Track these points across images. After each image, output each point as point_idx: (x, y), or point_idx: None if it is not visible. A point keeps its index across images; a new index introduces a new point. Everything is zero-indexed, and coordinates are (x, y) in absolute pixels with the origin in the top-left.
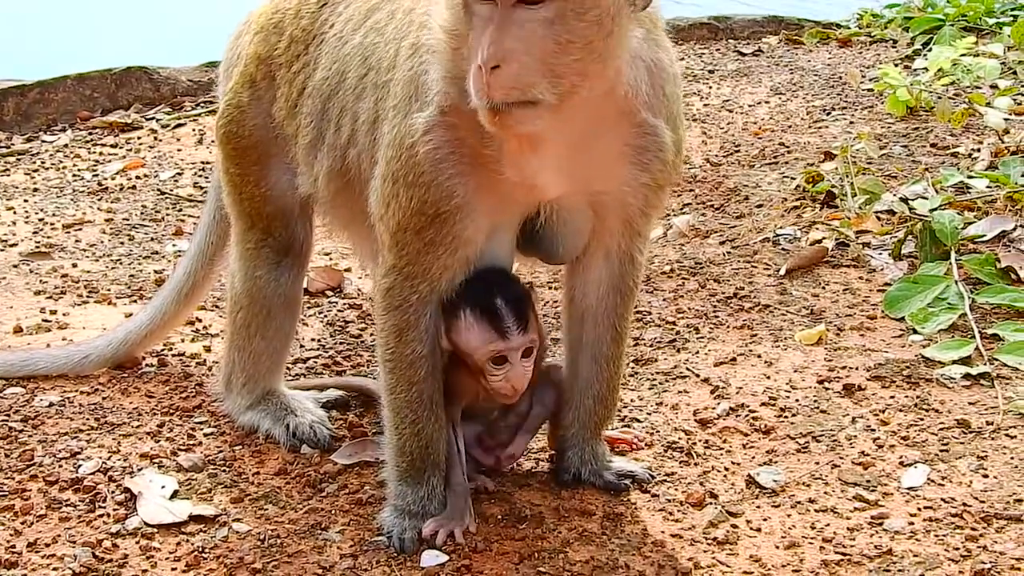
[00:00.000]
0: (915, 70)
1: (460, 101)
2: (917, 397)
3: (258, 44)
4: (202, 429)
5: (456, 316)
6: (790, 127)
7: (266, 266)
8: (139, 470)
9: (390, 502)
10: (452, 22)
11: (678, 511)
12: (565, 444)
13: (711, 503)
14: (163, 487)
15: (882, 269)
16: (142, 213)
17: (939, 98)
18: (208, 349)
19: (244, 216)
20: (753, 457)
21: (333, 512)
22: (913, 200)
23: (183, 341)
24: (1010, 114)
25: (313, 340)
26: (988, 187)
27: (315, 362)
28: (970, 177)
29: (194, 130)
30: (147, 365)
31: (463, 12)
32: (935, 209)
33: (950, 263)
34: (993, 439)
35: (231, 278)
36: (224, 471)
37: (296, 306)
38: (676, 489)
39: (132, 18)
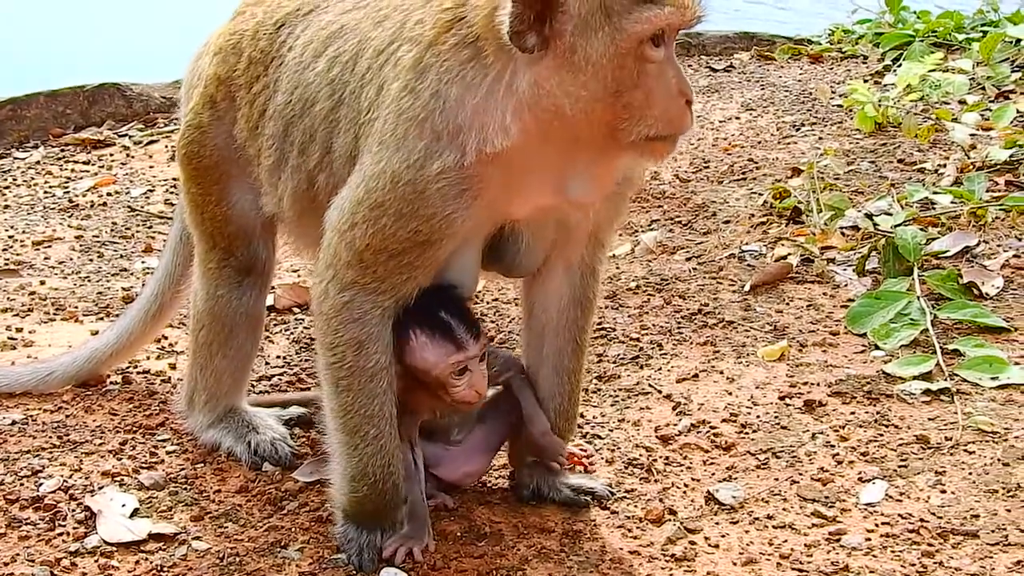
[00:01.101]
0: (885, 86)
1: (514, 143)
2: (877, 413)
3: (217, 65)
4: (164, 447)
5: (406, 338)
6: (760, 143)
7: (228, 285)
8: (100, 488)
9: (347, 521)
10: (602, 79)
11: (637, 528)
12: (526, 459)
13: (670, 520)
14: (123, 505)
15: (846, 285)
16: (112, 230)
17: (907, 114)
18: (173, 367)
19: (206, 236)
20: (713, 473)
21: (293, 530)
22: (878, 216)
23: (148, 359)
24: (977, 129)
25: (278, 357)
26: (952, 203)
27: (280, 379)
28: (935, 193)
29: (166, 147)
30: (111, 383)
31: (633, 63)
32: (898, 225)
33: (913, 279)
34: (952, 455)
35: (193, 296)
36: (185, 489)
37: (259, 324)
38: (635, 506)
39: (105, 35)
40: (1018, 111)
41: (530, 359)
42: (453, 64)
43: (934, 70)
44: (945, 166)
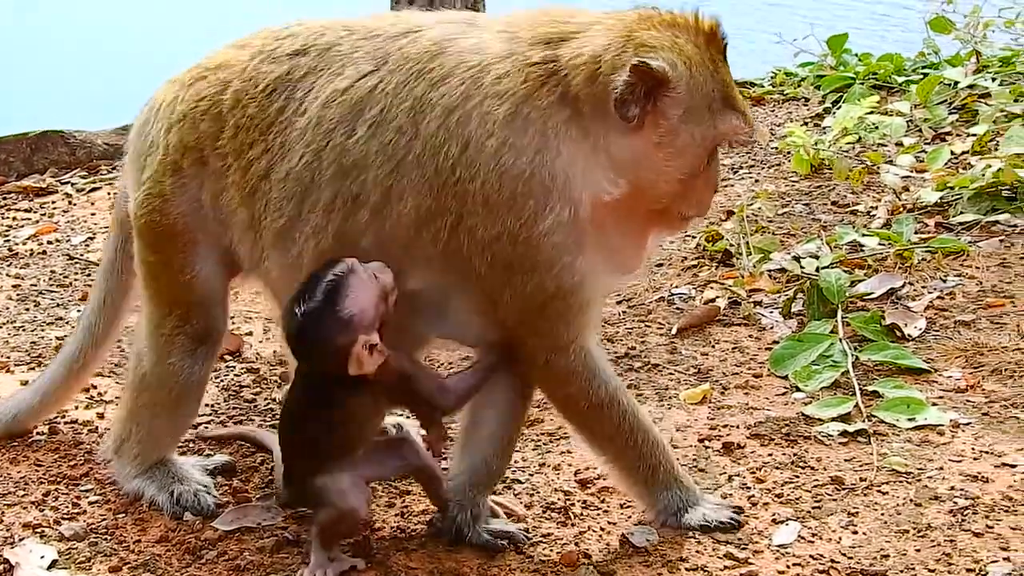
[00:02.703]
0: (824, 128)
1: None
2: (794, 455)
3: (184, 132)
4: (87, 497)
5: None
6: None
7: (180, 353)
8: (20, 540)
9: None
10: (688, 163)
11: (551, 572)
12: (451, 499)
13: (584, 563)
14: (42, 557)
15: (772, 327)
16: (50, 278)
17: (839, 157)
18: (101, 416)
19: (163, 303)
20: (629, 517)
21: None
22: (805, 259)
23: (76, 408)
24: (912, 172)
25: (207, 405)
26: (880, 245)
27: (206, 428)
28: (864, 236)
29: (109, 194)
30: (38, 433)
31: (707, 155)
32: (824, 268)
33: (836, 321)
34: (865, 495)
35: (138, 358)
36: (106, 539)
37: (203, 388)
38: (551, 550)
39: (48, 82)
40: (952, 153)
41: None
42: (558, 121)
43: (872, 112)
44: (877, 208)
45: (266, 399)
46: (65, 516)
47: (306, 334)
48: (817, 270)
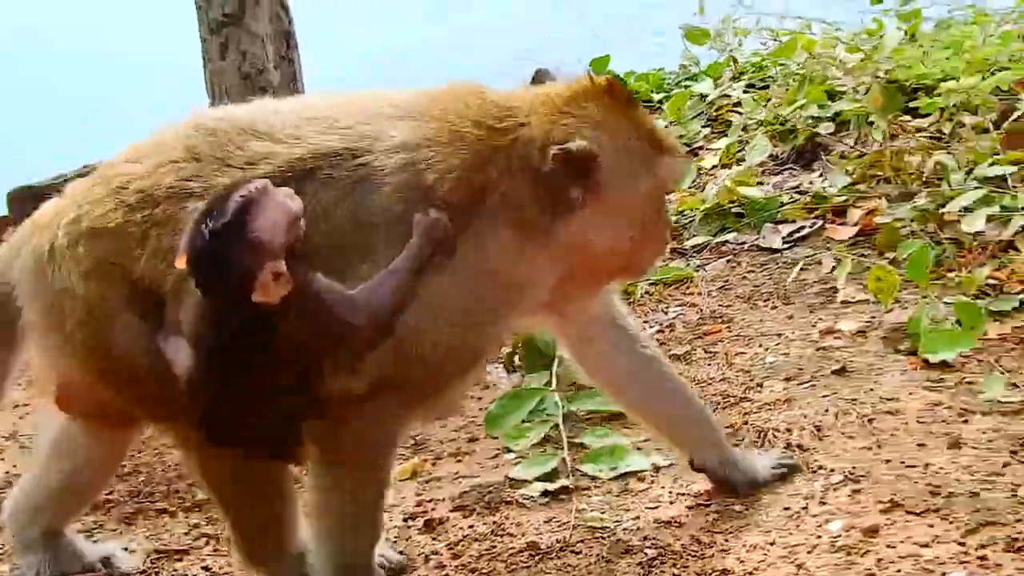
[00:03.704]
0: None
1: None
2: (494, 523)
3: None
4: None
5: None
6: None
7: None
8: None
9: None
10: (639, 220)
11: None
12: None
13: None
14: None
15: (497, 384)
16: None
17: None
18: None
19: None
20: None
21: None
22: None
23: None
24: None
25: None
26: None
27: None
28: None
29: None
30: None
31: (655, 205)
32: None
33: (551, 372)
34: (559, 558)
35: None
36: None
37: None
38: None
39: None
40: (701, 168)
41: None
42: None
43: None
44: None
45: None
46: None
47: (212, 256)
48: None
